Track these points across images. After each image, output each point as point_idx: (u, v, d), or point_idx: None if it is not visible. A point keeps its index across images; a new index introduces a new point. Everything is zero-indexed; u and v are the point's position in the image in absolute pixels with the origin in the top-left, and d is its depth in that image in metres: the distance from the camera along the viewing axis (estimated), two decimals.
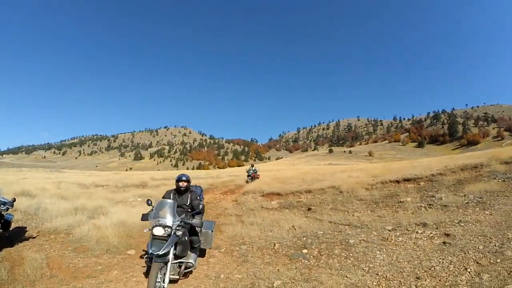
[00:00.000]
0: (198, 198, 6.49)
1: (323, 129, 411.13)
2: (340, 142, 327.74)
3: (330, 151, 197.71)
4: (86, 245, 7.67)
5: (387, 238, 6.44)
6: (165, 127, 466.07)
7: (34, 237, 8.83)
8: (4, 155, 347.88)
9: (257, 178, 22.19)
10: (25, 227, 10.00)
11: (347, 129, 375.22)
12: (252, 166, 24.52)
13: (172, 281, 5.15)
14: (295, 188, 14.41)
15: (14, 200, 7.89)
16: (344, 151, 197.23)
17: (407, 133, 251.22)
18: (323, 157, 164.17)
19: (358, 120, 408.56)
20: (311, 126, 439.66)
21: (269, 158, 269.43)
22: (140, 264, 6.29)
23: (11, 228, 8.27)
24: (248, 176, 22.51)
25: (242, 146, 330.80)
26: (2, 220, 7.56)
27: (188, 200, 6.18)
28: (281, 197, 13.69)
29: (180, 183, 6.27)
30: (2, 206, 7.27)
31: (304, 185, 14.88)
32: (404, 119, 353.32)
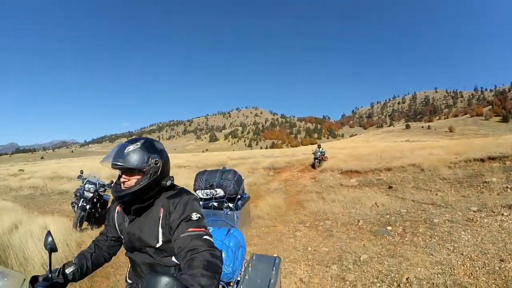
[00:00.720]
0: None
1: (399, 103, 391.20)
2: (418, 116, 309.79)
3: (407, 126, 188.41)
4: None
5: (472, 219, 6.21)
6: (237, 109, 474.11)
7: None
8: (90, 145, 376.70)
9: (325, 160, 19.69)
10: None
11: (424, 102, 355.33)
12: (319, 146, 21.03)
13: None
14: (373, 166, 14.14)
15: (112, 182, 8.79)
16: (422, 127, 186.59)
17: (490, 106, 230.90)
18: (400, 133, 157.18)
19: (436, 92, 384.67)
20: (386, 100, 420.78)
21: (342, 136, 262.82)
22: None
23: (107, 207, 9.21)
24: (315, 159, 19.39)
25: (314, 124, 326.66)
26: (102, 200, 8.47)
27: None
28: (360, 175, 13.54)
29: None
30: (101, 188, 8.15)
31: (382, 163, 14.56)
32: (486, 90, 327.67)
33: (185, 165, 25.54)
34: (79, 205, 7.62)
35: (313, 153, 20.22)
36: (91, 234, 6.95)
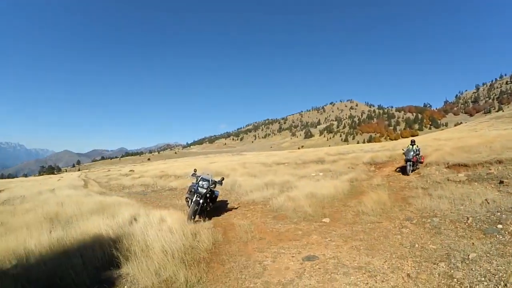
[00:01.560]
0: None
1: (506, 82, 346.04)
2: None
3: None
4: (284, 213, 8.69)
5: None
6: (331, 103, 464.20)
7: (236, 208, 10.36)
8: (191, 146, 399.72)
9: (421, 163, 15.49)
10: (226, 200, 11.76)
11: None
12: (413, 142, 16.12)
13: None
14: (483, 158, 13.15)
15: (223, 179, 9.60)
16: None
17: None
18: (510, 119, 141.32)
19: None
20: (492, 81, 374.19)
21: (446, 125, 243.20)
22: (336, 231, 6.88)
23: (217, 201, 9.92)
24: (407, 161, 14.76)
25: (414, 114, 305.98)
26: (213, 195, 9.19)
27: None
28: (468, 169, 12.71)
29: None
30: (213, 184, 8.88)
31: (493, 155, 13.46)
32: None
33: (283, 162, 26.03)
34: (194, 199, 8.41)
35: (403, 153, 15.51)
36: (204, 225, 7.61)
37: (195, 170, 9.62)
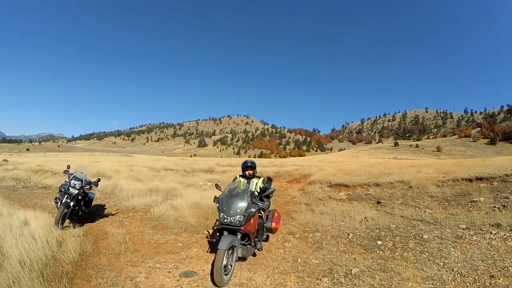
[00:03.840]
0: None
1: (389, 120, 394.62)
2: (407, 135, 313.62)
3: (396, 144, 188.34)
4: (164, 223, 8.14)
5: (461, 236, 6.19)
6: (228, 116, 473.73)
7: (113, 214, 9.53)
8: (77, 141, 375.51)
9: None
10: (104, 205, 10.84)
11: (414, 121, 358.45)
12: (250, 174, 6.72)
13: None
14: (362, 181, 14.13)
15: (99, 180, 8.61)
16: (411, 145, 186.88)
17: (479, 128, 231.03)
18: (388, 150, 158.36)
19: (426, 112, 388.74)
20: (376, 117, 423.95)
21: (331, 149, 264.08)
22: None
23: (91, 205, 9.01)
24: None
25: (304, 136, 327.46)
26: (87, 198, 8.28)
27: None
28: (349, 189, 13.51)
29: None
30: (87, 185, 7.93)
31: (371, 178, 14.56)
32: (475, 112, 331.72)
33: (172, 168, 25.39)
34: (63, 201, 7.36)
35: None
36: (73, 232, 6.72)
37: (68, 167, 8.44)
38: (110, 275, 4.98)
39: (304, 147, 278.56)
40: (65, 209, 7.31)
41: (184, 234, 7.28)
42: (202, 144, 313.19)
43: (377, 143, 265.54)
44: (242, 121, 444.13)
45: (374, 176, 15.11)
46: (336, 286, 4.54)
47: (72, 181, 7.63)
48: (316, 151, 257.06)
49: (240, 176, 6.53)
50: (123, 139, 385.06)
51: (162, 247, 6.38)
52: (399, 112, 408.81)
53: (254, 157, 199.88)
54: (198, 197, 10.53)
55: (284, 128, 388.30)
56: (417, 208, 9.32)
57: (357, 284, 4.53)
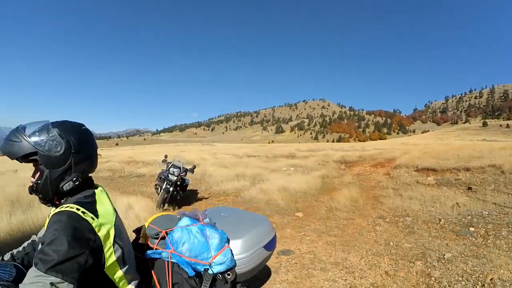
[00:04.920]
0: None
1: (475, 97, 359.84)
2: (496, 113, 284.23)
3: (484, 124, 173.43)
4: (256, 205, 8.49)
5: None
6: (303, 101, 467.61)
7: (206, 198, 10.11)
8: (161, 134, 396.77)
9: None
10: (197, 190, 11.47)
11: (503, 97, 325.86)
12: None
13: None
14: (451, 165, 13.37)
15: (194, 167, 9.28)
16: (501, 125, 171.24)
17: None
18: (476, 131, 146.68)
19: None
20: (461, 94, 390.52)
21: (413, 131, 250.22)
22: (310, 226, 6.75)
23: (187, 190, 9.62)
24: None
25: (384, 118, 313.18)
26: (184, 184, 8.89)
27: None
28: (437, 173, 12.90)
29: None
30: (184, 172, 8.56)
31: (460, 162, 13.71)
32: None
33: (254, 154, 25.93)
34: (163, 187, 8.10)
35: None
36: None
37: (165, 156, 9.25)
38: None
39: (385, 130, 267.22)
40: (166, 194, 8.05)
41: (276, 216, 7.53)
42: (279, 131, 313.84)
43: (463, 123, 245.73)
44: (318, 105, 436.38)
45: (463, 160, 14.23)
46: (429, 269, 4.50)
47: (171, 169, 8.38)
48: (397, 133, 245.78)
49: None
50: (204, 129, 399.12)
51: None
52: (486, 88, 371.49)
53: (333, 141, 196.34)
54: (284, 182, 10.77)
55: (363, 110, 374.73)
56: (510, 195, 8.73)
57: (449, 269, 4.47)
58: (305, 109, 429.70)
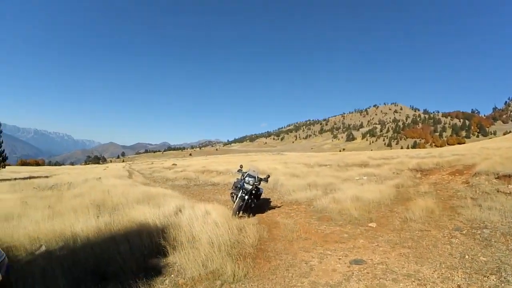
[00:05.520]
0: None
1: None
2: None
3: None
4: (328, 215, 8.60)
5: None
6: (374, 106, 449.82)
7: (279, 207, 10.39)
8: (232, 144, 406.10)
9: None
10: (269, 199, 11.80)
11: None
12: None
13: None
14: None
15: (268, 176, 9.62)
16: None
17: None
18: None
19: None
20: None
21: (494, 133, 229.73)
22: (383, 237, 6.72)
23: (260, 199, 9.94)
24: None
25: (461, 120, 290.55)
26: (258, 192, 9.23)
27: None
28: None
29: None
30: (258, 181, 8.92)
31: None
32: None
33: (325, 163, 25.80)
34: (239, 195, 8.52)
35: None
36: (249, 221, 7.78)
37: (241, 166, 9.73)
38: (287, 258, 5.65)
39: (463, 133, 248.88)
40: (241, 202, 8.46)
41: (348, 226, 7.60)
42: (350, 138, 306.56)
43: None
44: (390, 109, 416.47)
45: None
46: (503, 284, 4.40)
47: (247, 178, 8.81)
48: (477, 136, 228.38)
49: None
50: (273, 139, 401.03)
51: (329, 236, 6.82)
52: None
53: (407, 147, 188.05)
54: (356, 191, 10.70)
55: (438, 112, 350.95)
56: None
57: None
58: (376, 114, 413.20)
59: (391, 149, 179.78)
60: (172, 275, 4.97)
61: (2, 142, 27.19)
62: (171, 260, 5.40)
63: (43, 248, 6.16)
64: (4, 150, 27.62)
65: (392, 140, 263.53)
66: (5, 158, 27.96)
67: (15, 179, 26.54)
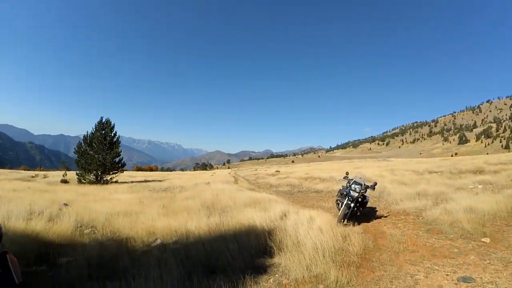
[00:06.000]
0: None
1: None
2: None
3: None
4: (438, 227, 8.15)
5: None
6: (487, 101, 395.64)
7: (385, 216, 10.12)
8: (334, 151, 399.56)
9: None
10: (375, 207, 11.56)
11: None
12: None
13: None
14: None
15: (375, 184, 9.45)
16: None
17: None
18: None
19: None
20: None
21: None
22: (496, 254, 6.17)
23: (366, 207, 9.79)
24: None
25: None
26: (364, 200, 9.13)
27: None
28: None
29: None
30: (365, 189, 8.82)
31: None
32: None
33: (436, 170, 24.20)
34: (345, 203, 8.52)
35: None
36: (353, 230, 7.75)
37: (347, 173, 9.72)
38: (391, 270, 5.54)
39: None
40: (347, 210, 8.47)
41: (459, 240, 7.14)
42: (462, 141, 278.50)
43: None
44: (505, 104, 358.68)
45: None
46: None
47: (353, 185, 8.80)
48: None
49: None
50: (378, 144, 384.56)
51: (438, 250, 6.51)
52: None
53: None
54: (470, 201, 9.91)
55: None
56: None
57: None
58: (490, 111, 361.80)
59: (509, 151, 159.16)
60: (277, 275, 5.24)
61: (121, 151, 31.41)
62: (276, 261, 5.71)
63: (158, 241, 6.98)
64: (122, 157, 31.84)
65: (510, 141, 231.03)
66: (123, 165, 32.19)
67: (132, 182, 29.71)
